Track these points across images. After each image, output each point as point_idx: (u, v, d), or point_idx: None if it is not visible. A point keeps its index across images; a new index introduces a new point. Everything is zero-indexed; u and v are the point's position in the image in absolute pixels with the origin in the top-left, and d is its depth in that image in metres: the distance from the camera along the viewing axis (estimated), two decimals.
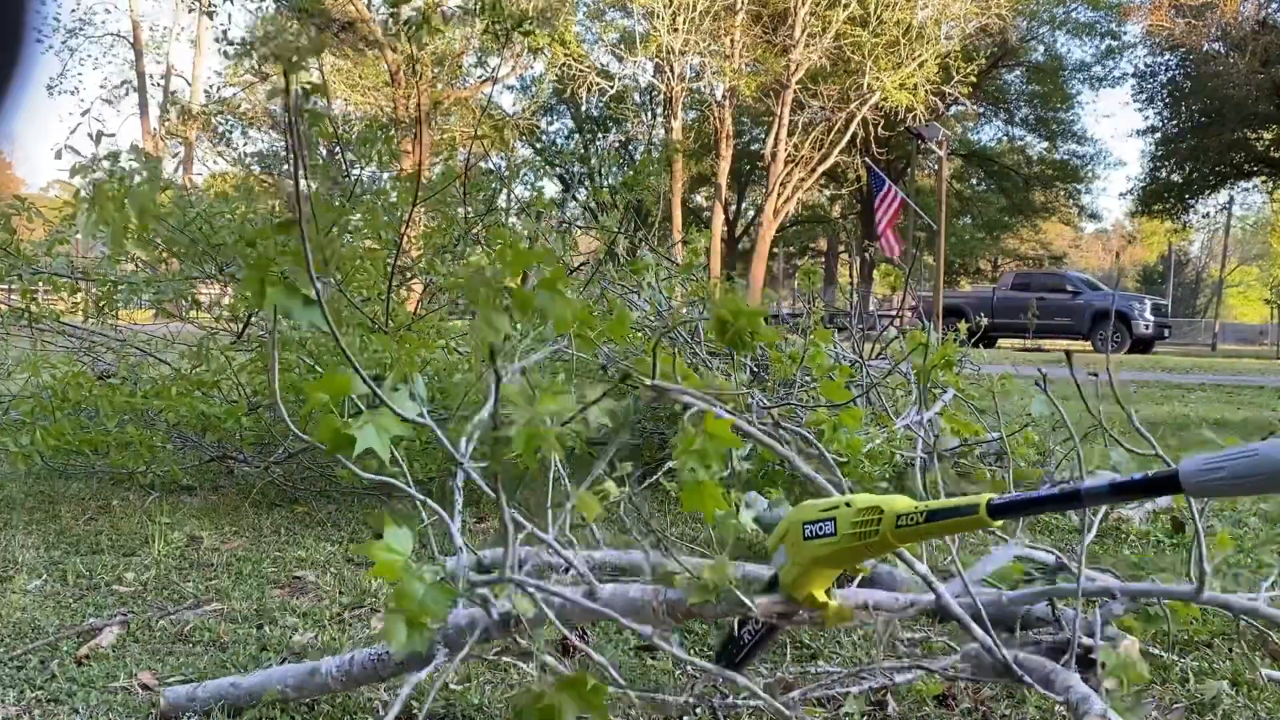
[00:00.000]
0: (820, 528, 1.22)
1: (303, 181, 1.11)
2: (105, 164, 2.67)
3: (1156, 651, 1.77)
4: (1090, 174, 30.62)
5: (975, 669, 1.47)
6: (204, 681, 1.54)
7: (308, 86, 1.04)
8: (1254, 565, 2.49)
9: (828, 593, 1.28)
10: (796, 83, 21.84)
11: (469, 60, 22.99)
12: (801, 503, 1.29)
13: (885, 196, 16.47)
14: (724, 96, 23.21)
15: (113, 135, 2.81)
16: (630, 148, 26.95)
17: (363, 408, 1.59)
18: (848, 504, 1.22)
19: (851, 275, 30.77)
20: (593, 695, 1.15)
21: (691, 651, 1.81)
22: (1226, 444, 1.87)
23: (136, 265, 3.55)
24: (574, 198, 26.23)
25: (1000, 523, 1.15)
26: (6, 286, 3.34)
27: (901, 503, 1.19)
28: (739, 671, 1.34)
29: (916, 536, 1.18)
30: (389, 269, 3.12)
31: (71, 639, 1.80)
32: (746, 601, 1.27)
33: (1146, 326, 18.37)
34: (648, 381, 1.33)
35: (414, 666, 1.39)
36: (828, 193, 30.26)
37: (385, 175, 3.64)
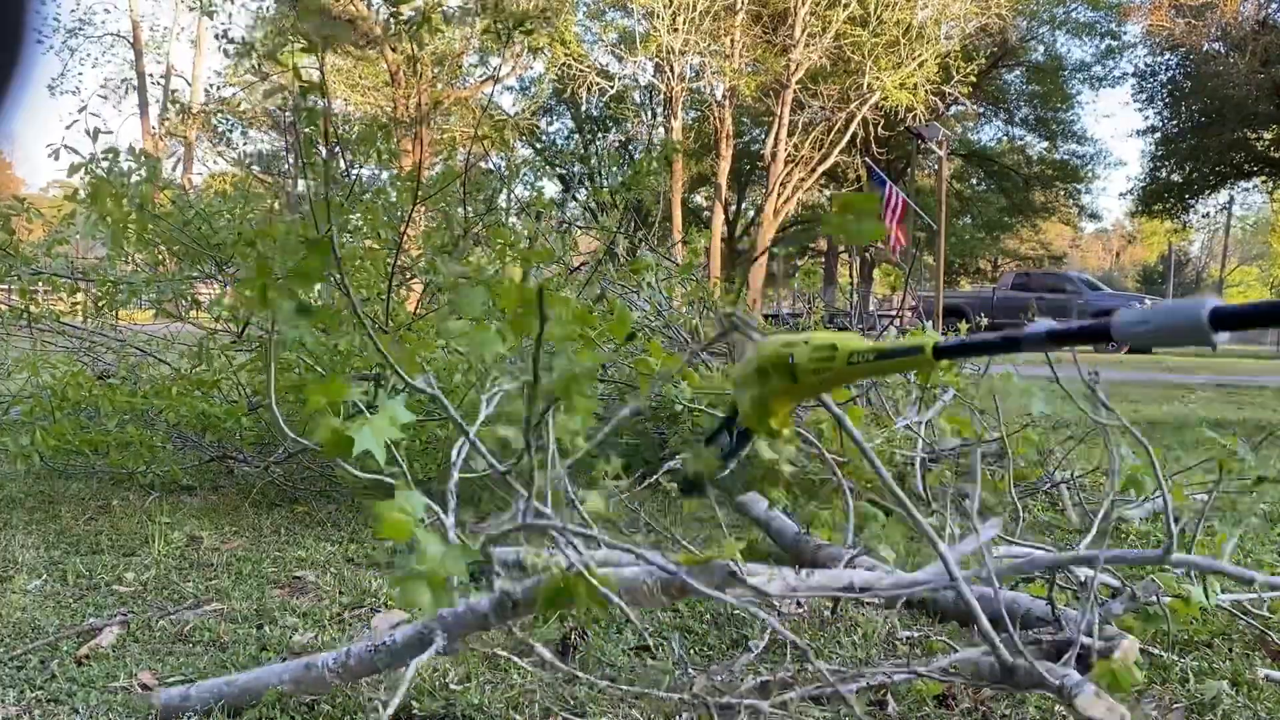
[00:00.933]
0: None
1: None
2: (104, 162, 2.67)
3: (1157, 651, 1.77)
4: (1090, 174, 30.62)
5: (974, 675, 1.47)
6: (197, 682, 1.54)
7: (306, 84, 1.04)
8: (1254, 565, 2.49)
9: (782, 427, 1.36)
10: (796, 83, 21.84)
11: (469, 60, 23.01)
12: (761, 342, 1.34)
13: (888, 199, 16.49)
14: (724, 96, 23.20)
15: (110, 133, 2.81)
16: (630, 148, 26.95)
17: (363, 408, 1.59)
18: (805, 342, 1.28)
19: (851, 275, 30.77)
20: (593, 592, 1.22)
21: (691, 652, 1.81)
22: (1229, 443, 1.87)
23: (136, 265, 3.56)
24: (574, 198, 26.24)
25: (945, 362, 1.23)
26: (6, 287, 3.34)
27: (855, 342, 1.26)
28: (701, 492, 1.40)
29: (867, 373, 1.26)
30: (389, 269, 3.12)
31: (71, 639, 1.80)
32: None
33: None
34: (724, 309, 1.40)
35: (413, 653, 1.38)
36: (828, 193, 30.26)
37: (385, 175, 3.64)
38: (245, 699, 1.48)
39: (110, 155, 2.83)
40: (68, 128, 3.19)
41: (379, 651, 1.45)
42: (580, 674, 1.56)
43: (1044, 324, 1.18)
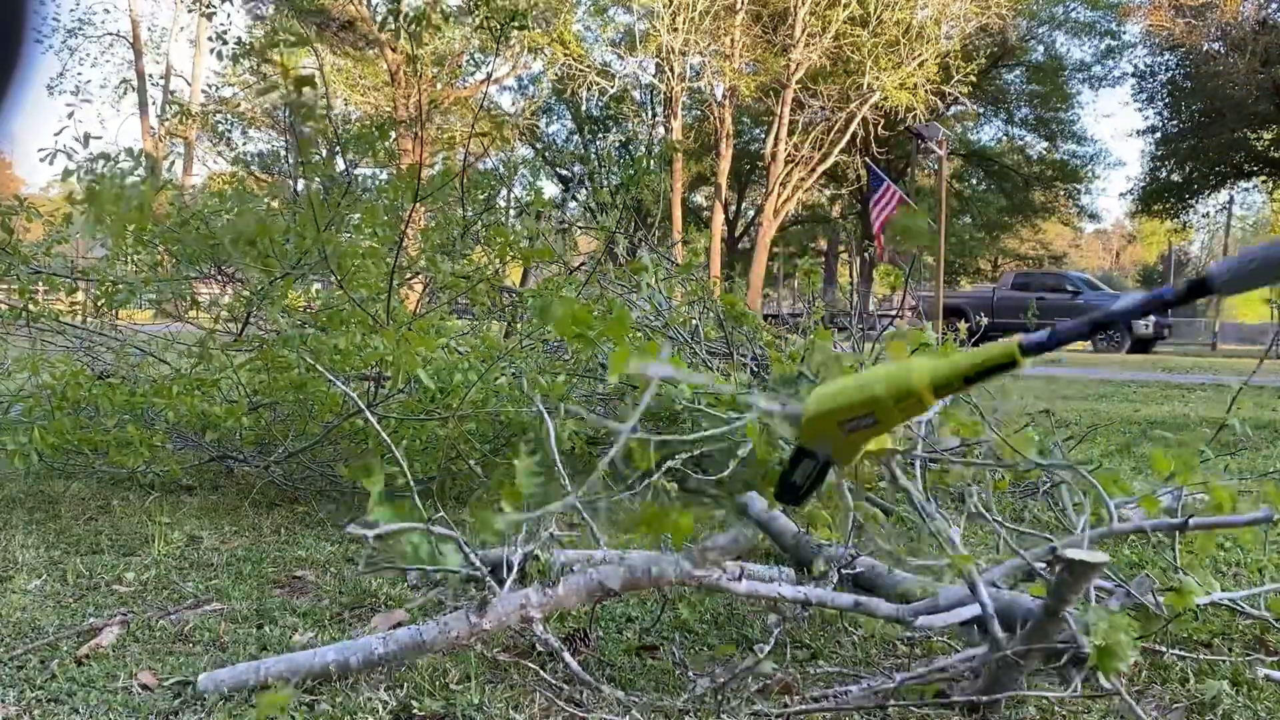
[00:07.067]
0: (860, 422, 1.28)
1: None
2: (99, 165, 2.67)
3: (1160, 648, 1.76)
4: (1090, 174, 30.61)
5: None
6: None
7: (303, 80, 1.04)
8: (1254, 565, 2.49)
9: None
10: (796, 83, 21.84)
11: (468, 60, 23.01)
12: (817, 392, 1.32)
13: (881, 197, 16.46)
14: (724, 96, 23.20)
15: (99, 138, 2.80)
16: (630, 148, 26.94)
17: (362, 406, 1.59)
18: (876, 398, 1.25)
19: (851, 275, 30.78)
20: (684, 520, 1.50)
21: (691, 651, 1.81)
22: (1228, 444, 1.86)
23: (135, 265, 3.55)
24: (574, 198, 26.21)
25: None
26: (6, 286, 3.34)
27: (930, 368, 1.23)
28: (800, 504, 1.40)
29: (955, 391, 1.26)
30: (389, 267, 3.12)
31: (71, 639, 1.80)
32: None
33: (1146, 326, 18.41)
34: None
35: None
36: (828, 193, 30.27)
37: (383, 174, 3.64)
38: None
39: (105, 158, 2.82)
40: (56, 134, 3.18)
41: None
42: (586, 683, 1.56)
43: (1129, 296, 1.18)
